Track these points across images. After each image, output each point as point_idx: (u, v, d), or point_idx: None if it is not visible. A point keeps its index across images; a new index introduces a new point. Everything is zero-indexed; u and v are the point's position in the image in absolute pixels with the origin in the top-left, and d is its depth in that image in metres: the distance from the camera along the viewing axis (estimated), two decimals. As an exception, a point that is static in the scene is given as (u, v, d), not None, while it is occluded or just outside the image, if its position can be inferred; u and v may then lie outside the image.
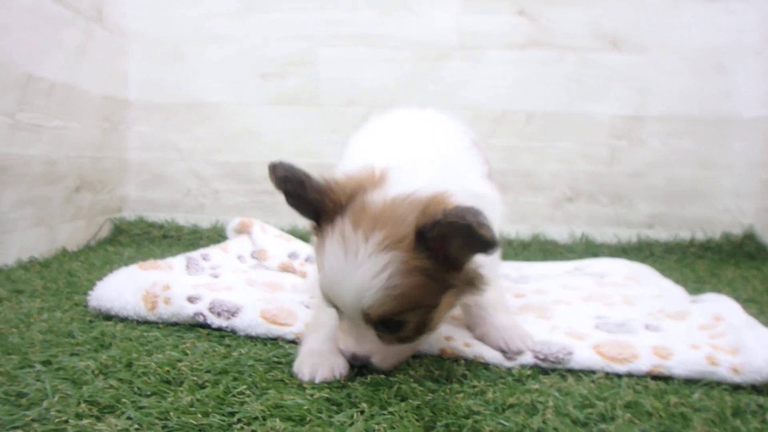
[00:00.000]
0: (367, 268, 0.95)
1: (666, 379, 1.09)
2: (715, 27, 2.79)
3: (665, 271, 2.08)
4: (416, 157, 1.09)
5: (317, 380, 1.03)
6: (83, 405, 0.90)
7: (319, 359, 1.07)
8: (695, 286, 1.95)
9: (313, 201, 1.01)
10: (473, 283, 1.04)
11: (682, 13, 2.79)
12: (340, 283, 0.98)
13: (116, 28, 2.76)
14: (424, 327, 1.04)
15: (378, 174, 1.03)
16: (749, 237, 2.72)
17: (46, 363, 1.08)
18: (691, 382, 1.08)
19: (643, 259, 2.38)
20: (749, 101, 2.79)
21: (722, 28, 2.79)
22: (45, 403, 0.90)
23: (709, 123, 2.83)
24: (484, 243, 0.90)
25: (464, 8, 2.83)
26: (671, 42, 2.81)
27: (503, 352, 1.17)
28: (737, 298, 1.47)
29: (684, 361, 1.10)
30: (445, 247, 0.96)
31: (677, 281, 1.87)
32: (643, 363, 1.11)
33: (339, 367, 1.06)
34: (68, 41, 2.36)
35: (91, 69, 2.54)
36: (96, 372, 1.04)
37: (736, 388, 1.06)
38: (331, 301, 1.04)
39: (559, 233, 2.84)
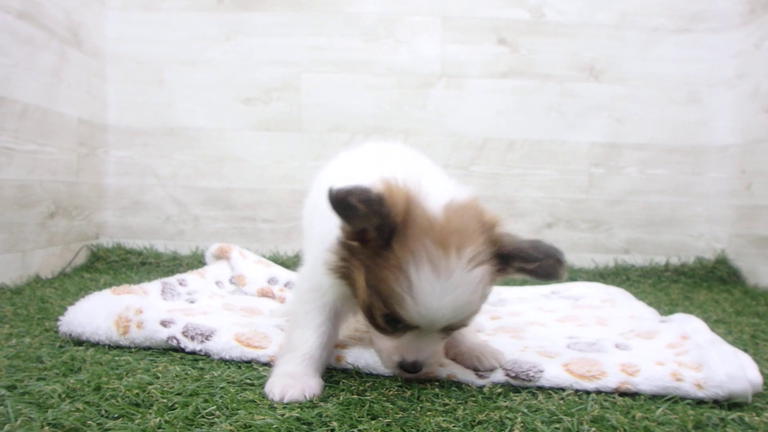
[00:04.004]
0: (465, 286, 0.98)
1: (633, 395, 1.11)
2: (690, 60, 2.89)
3: (640, 295, 2.11)
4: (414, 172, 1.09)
5: (286, 400, 1.03)
6: (47, 428, 0.89)
7: (291, 380, 1.08)
8: (669, 308, 1.99)
9: (388, 218, 0.96)
10: None
11: (659, 46, 2.89)
12: (437, 304, 0.98)
13: (94, 51, 2.73)
14: None
15: (410, 184, 1.01)
16: (721, 262, 2.79)
17: (11, 388, 1.06)
18: (656, 398, 1.10)
19: (619, 284, 2.42)
20: (722, 131, 2.87)
21: (696, 62, 2.89)
22: (7, 427, 0.89)
23: (684, 152, 2.91)
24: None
25: (447, 38, 2.89)
26: (648, 73, 2.90)
27: (476, 370, 1.19)
28: (707, 320, 1.51)
29: (650, 377, 1.12)
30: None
31: (651, 304, 1.90)
32: (611, 380, 1.13)
33: (311, 388, 1.08)
34: (43, 63, 2.32)
35: (67, 92, 2.50)
36: (62, 396, 1.02)
37: (699, 402, 1.08)
38: (409, 320, 1.01)
39: (538, 259, 2.85)
